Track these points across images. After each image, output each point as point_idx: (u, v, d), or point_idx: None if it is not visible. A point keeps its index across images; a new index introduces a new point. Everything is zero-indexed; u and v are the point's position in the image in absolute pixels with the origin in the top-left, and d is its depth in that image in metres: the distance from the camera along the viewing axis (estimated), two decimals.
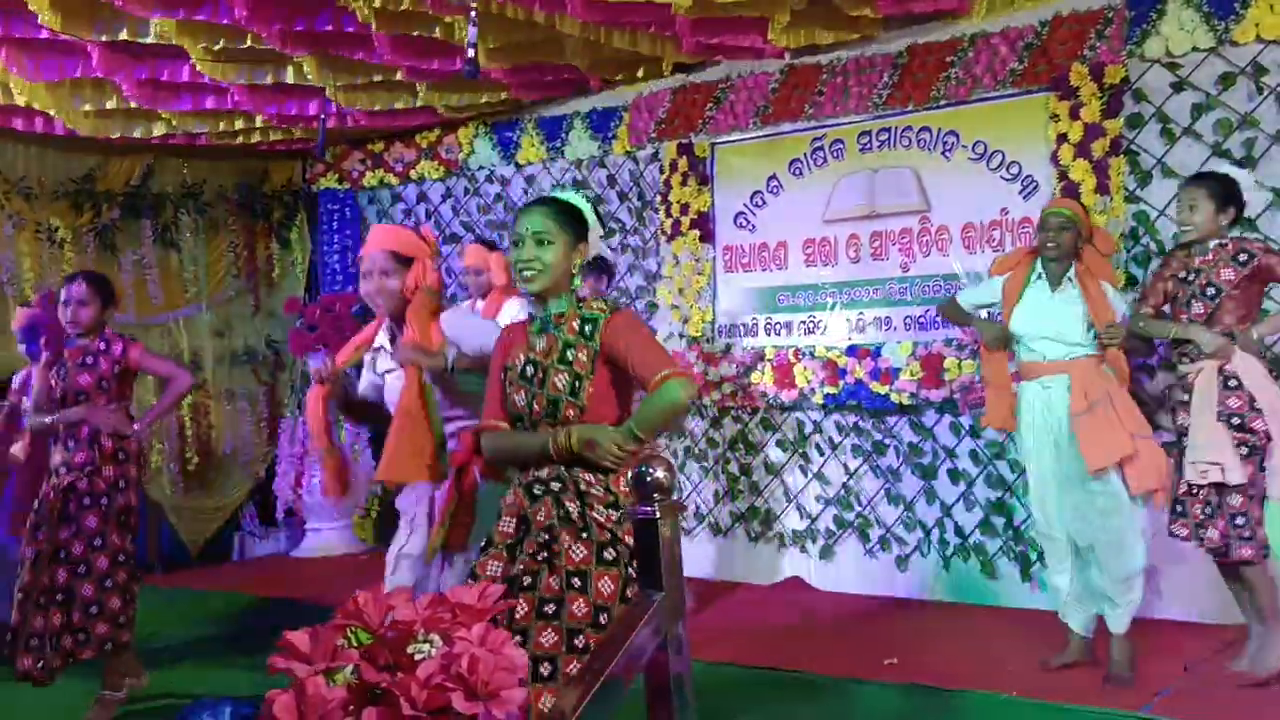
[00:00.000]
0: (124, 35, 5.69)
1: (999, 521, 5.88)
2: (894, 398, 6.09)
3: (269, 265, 8.76)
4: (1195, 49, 5.30)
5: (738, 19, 5.52)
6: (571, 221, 2.97)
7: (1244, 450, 4.21)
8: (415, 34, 5.62)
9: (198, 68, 6.04)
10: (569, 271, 2.95)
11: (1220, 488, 4.25)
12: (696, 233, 6.89)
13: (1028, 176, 5.80)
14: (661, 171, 7.06)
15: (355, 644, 1.63)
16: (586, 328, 2.90)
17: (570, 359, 2.87)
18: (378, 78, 6.59)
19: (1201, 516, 4.29)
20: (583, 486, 2.82)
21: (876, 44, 6.18)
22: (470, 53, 4.39)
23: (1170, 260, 4.57)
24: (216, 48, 5.85)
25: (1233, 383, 4.27)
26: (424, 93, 6.92)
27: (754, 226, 6.78)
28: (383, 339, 3.66)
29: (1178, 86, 5.38)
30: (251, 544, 8.50)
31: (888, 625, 5.59)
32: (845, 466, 6.41)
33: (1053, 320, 4.53)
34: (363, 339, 3.76)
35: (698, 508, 6.93)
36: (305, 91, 6.65)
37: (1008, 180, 5.87)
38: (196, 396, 8.16)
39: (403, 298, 3.53)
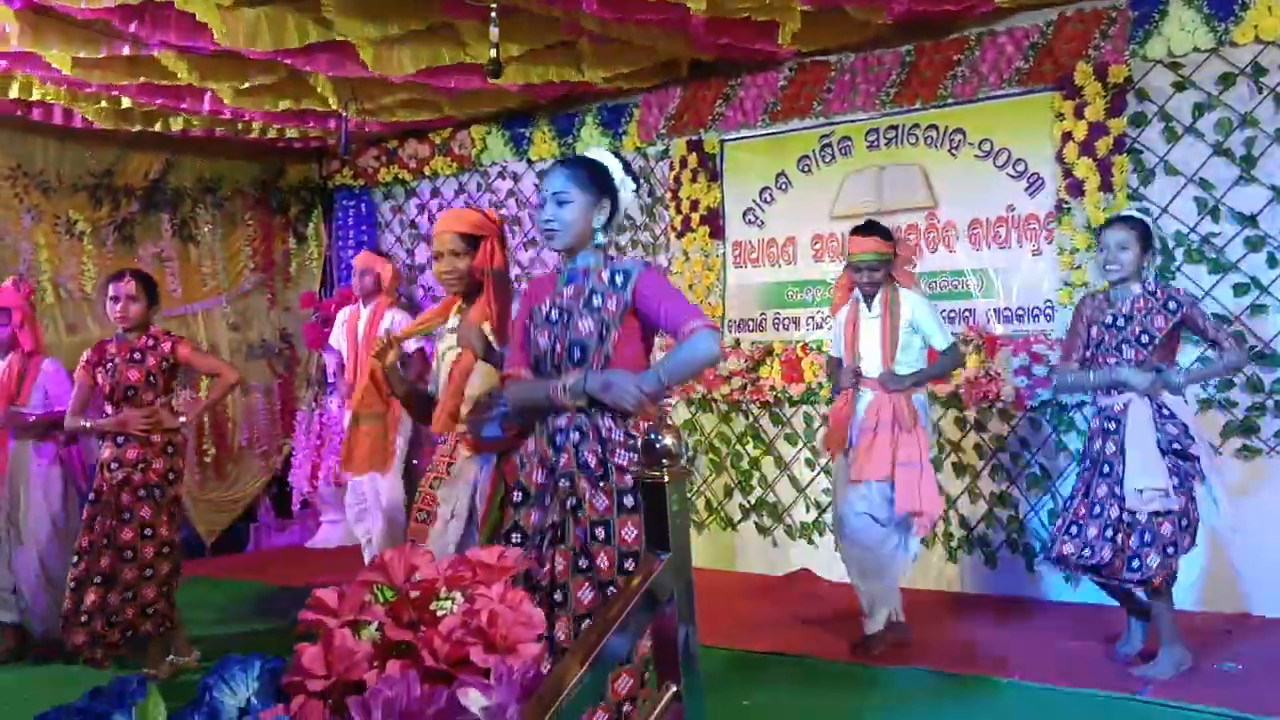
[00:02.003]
0: (148, 80, 5.94)
1: (1003, 514, 5.97)
2: None
3: (285, 260, 8.90)
4: (1196, 49, 5.38)
5: (748, 22, 5.61)
6: (592, 180, 3.04)
7: (1174, 480, 4.35)
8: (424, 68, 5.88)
9: (224, 100, 6.25)
10: (590, 228, 3.04)
11: (1155, 516, 4.34)
12: (706, 229, 6.98)
13: (1033, 174, 5.89)
14: (671, 168, 7.16)
15: (381, 600, 1.74)
16: (617, 279, 2.99)
17: (598, 305, 2.95)
18: (399, 97, 6.79)
19: (1096, 538, 4.40)
20: (603, 433, 2.88)
21: (884, 43, 6.26)
22: (492, 52, 4.48)
23: (1081, 309, 4.71)
24: (243, 87, 6.08)
25: (1166, 411, 4.43)
26: (445, 107, 7.13)
27: (763, 222, 6.87)
28: (454, 320, 3.74)
29: (1179, 86, 5.46)
30: (267, 535, 8.62)
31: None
32: None
33: (867, 337, 4.92)
34: (429, 315, 3.87)
35: (708, 501, 7.03)
36: (325, 109, 6.86)
37: (1014, 178, 5.96)
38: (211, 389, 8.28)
39: (471, 278, 3.63)
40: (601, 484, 2.85)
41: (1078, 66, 5.61)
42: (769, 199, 6.85)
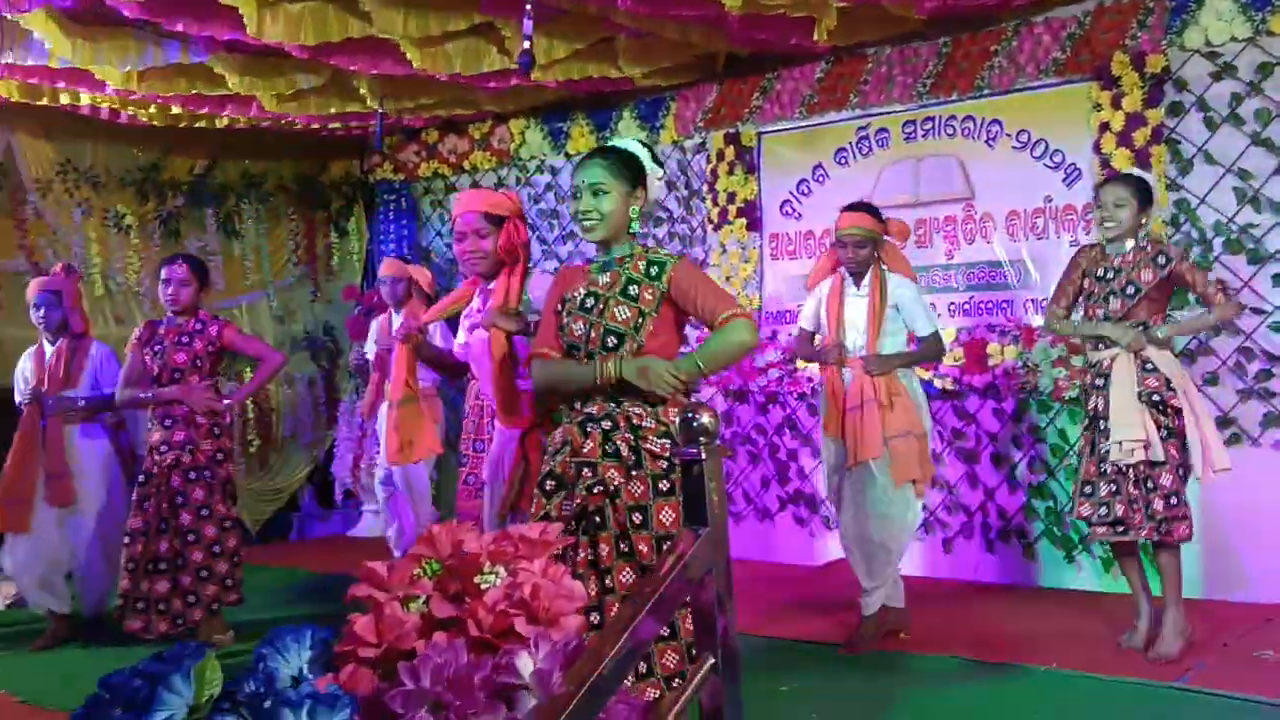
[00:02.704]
0: (199, 89, 6.06)
1: (1041, 505, 5.97)
2: (937, 383, 6.19)
3: (327, 253, 9.03)
4: (1234, 39, 5.36)
5: (784, 17, 5.64)
6: (626, 169, 3.07)
7: (1163, 432, 4.38)
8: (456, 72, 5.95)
9: (265, 108, 6.36)
10: (627, 217, 3.07)
11: (1148, 466, 4.38)
12: (743, 221, 7.02)
13: (1071, 165, 5.88)
14: (708, 161, 7.20)
15: (428, 574, 1.80)
16: (653, 269, 3.01)
17: (634, 294, 2.97)
18: (438, 96, 6.89)
19: (1109, 496, 4.44)
20: (634, 420, 2.91)
21: (920, 35, 6.27)
22: (526, 44, 4.55)
23: (1079, 259, 4.72)
24: (288, 93, 6.20)
25: (1149, 365, 4.45)
26: (483, 103, 7.22)
27: (800, 214, 6.90)
28: (476, 301, 3.77)
29: (1217, 75, 5.44)
30: (310, 524, 8.75)
31: (931, 604, 5.69)
32: None
33: (852, 316, 4.86)
34: (452, 299, 3.90)
35: (745, 492, 7.07)
36: (366, 110, 6.97)
37: (1051, 168, 5.95)
38: None
39: (495, 258, 3.65)
40: (635, 471, 2.87)
41: (1115, 57, 5.60)
42: (806, 191, 6.87)
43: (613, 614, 2.79)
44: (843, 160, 6.72)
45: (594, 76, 6.52)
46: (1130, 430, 4.37)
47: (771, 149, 7.02)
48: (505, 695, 1.61)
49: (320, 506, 8.84)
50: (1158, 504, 4.36)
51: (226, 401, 5.29)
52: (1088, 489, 4.54)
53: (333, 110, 6.81)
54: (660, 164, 3.23)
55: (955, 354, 6.09)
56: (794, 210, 6.92)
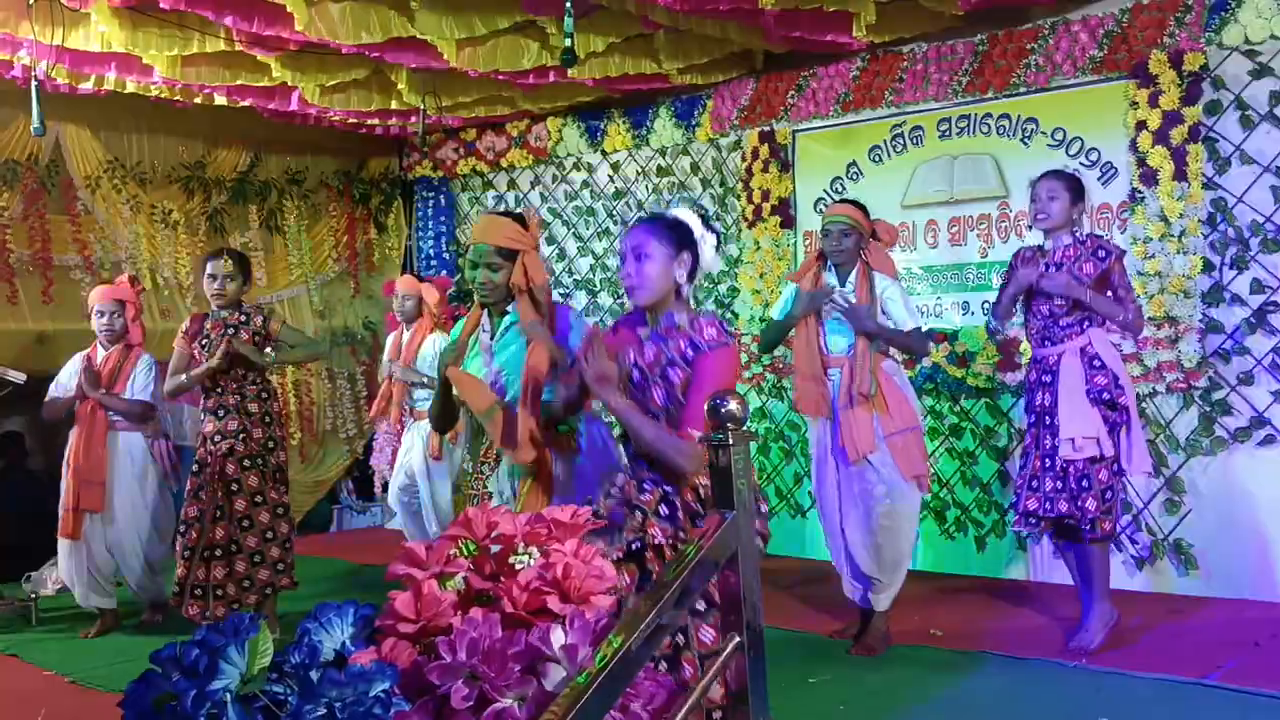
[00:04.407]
0: (241, 80, 6.18)
1: None
2: (970, 381, 6.21)
3: (368, 249, 9.16)
4: (1273, 36, 5.32)
5: (821, 13, 5.68)
6: (671, 235, 3.05)
7: (1107, 427, 4.43)
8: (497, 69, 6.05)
9: (308, 100, 6.48)
10: (671, 282, 3.04)
11: (1088, 463, 4.42)
12: (777, 219, 7.06)
13: (1107, 163, 5.88)
14: (743, 158, 7.25)
15: (464, 554, 1.88)
16: (689, 352, 2.98)
17: (670, 378, 2.97)
18: (476, 94, 6.99)
19: (1053, 491, 4.48)
20: (670, 496, 2.91)
21: (957, 32, 6.28)
22: (568, 42, 4.62)
23: (1015, 260, 4.78)
24: (329, 84, 6.31)
25: (1097, 362, 4.49)
26: (520, 100, 7.31)
27: None
28: (484, 338, 3.73)
29: (1256, 74, 5.41)
30: (349, 516, 8.89)
31: (963, 601, 5.73)
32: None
33: (837, 315, 4.79)
34: (472, 322, 3.80)
35: (778, 488, 7.11)
36: (405, 106, 7.07)
37: (1087, 167, 5.95)
38: (298, 374, 8.58)
39: (504, 291, 3.62)
40: (672, 525, 2.89)
41: (1153, 55, 5.59)
42: (840, 189, 6.91)
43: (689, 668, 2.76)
44: (877, 158, 6.74)
45: (631, 73, 6.59)
46: (1082, 427, 4.42)
47: (806, 147, 7.05)
48: (538, 669, 1.69)
49: (359, 499, 8.97)
50: (1090, 502, 4.41)
51: (269, 352, 5.34)
52: (1034, 484, 4.58)
53: (374, 105, 6.91)
54: (714, 230, 3.19)
55: (988, 352, 6.11)
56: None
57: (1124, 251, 4.68)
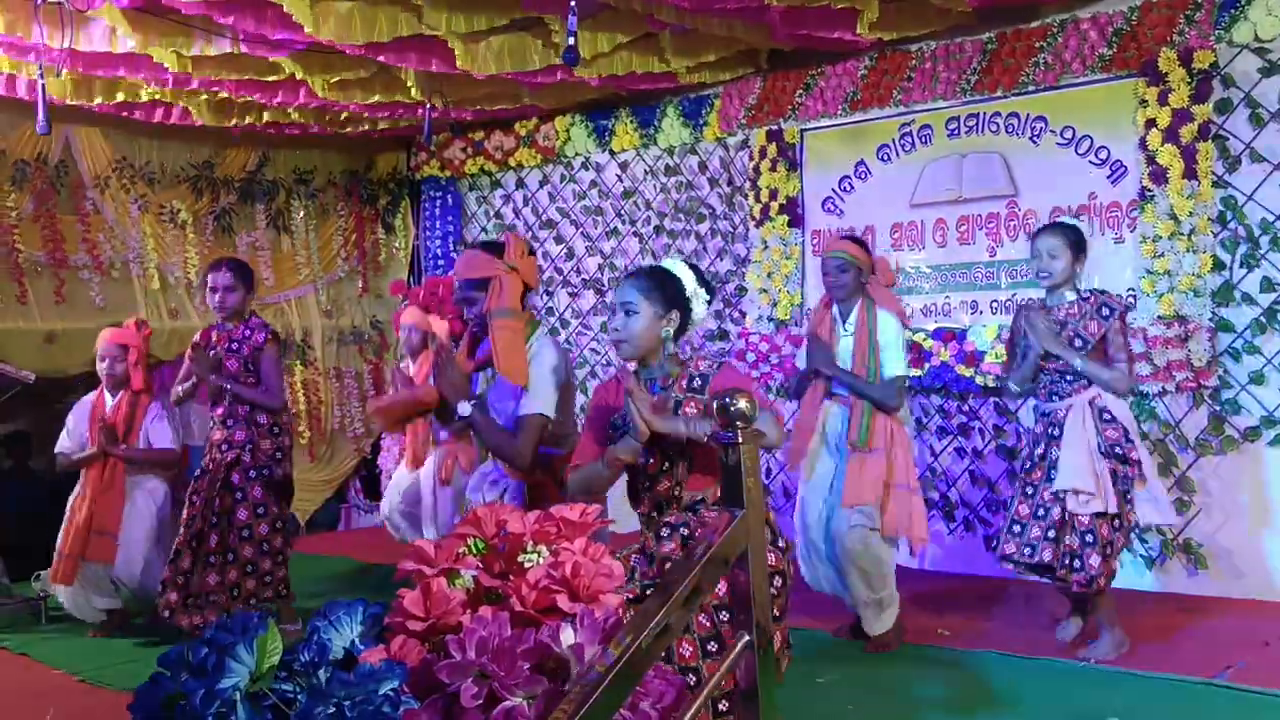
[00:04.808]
0: (250, 76, 6.19)
1: None
2: (979, 380, 6.20)
3: (375, 249, 9.17)
4: None
5: (827, 10, 5.67)
6: (660, 289, 3.06)
7: (1119, 484, 4.38)
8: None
9: (317, 93, 6.49)
10: (658, 338, 3.05)
11: (1093, 518, 4.36)
12: (785, 217, 7.06)
13: (1116, 161, 5.86)
14: (751, 157, 7.24)
15: (474, 552, 1.88)
16: (696, 381, 3.01)
17: (684, 412, 2.96)
18: (483, 90, 6.99)
19: (1038, 538, 4.42)
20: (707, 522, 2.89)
21: (966, 30, 6.27)
22: (570, 40, 4.62)
23: (1017, 319, 4.77)
24: (335, 80, 6.32)
25: (1107, 415, 4.45)
26: (525, 98, 7.30)
27: (842, 211, 6.93)
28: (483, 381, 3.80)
29: (1266, 71, 5.40)
30: (357, 515, 8.90)
31: (971, 600, 5.72)
32: (930, 448, 6.53)
33: (841, 356, 4.82)
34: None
35: (785, 487, 7.11)
36: (412, 102, 7.07)
37: (1096, 165, 5.94)
38: (306, 374, 8.59)
39: (483, 320, 3.63)
40: None
41: (1162, 52, 5.57)
42: (848, 188, 6.90)
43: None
44: (885, 157, 6.73)
45: (638, 71, 6.59)
46: (1078, 481, 4.37)
47: (814, 145, 7.04)
48: (547, 668, 1.69)
49: (367, 498, 8.98)
50: (1094, 559, 4.32)
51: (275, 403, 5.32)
52: (1015, 528, 4.53)
53: (378, 99, 6.88)
54: (708, 286, 3.19)
55: (997, 351, 6.09)
56: (836, 207, 6.95)
57: (1127, 308, 4.62)
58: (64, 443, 5.71)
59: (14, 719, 4.49)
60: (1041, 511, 4.48)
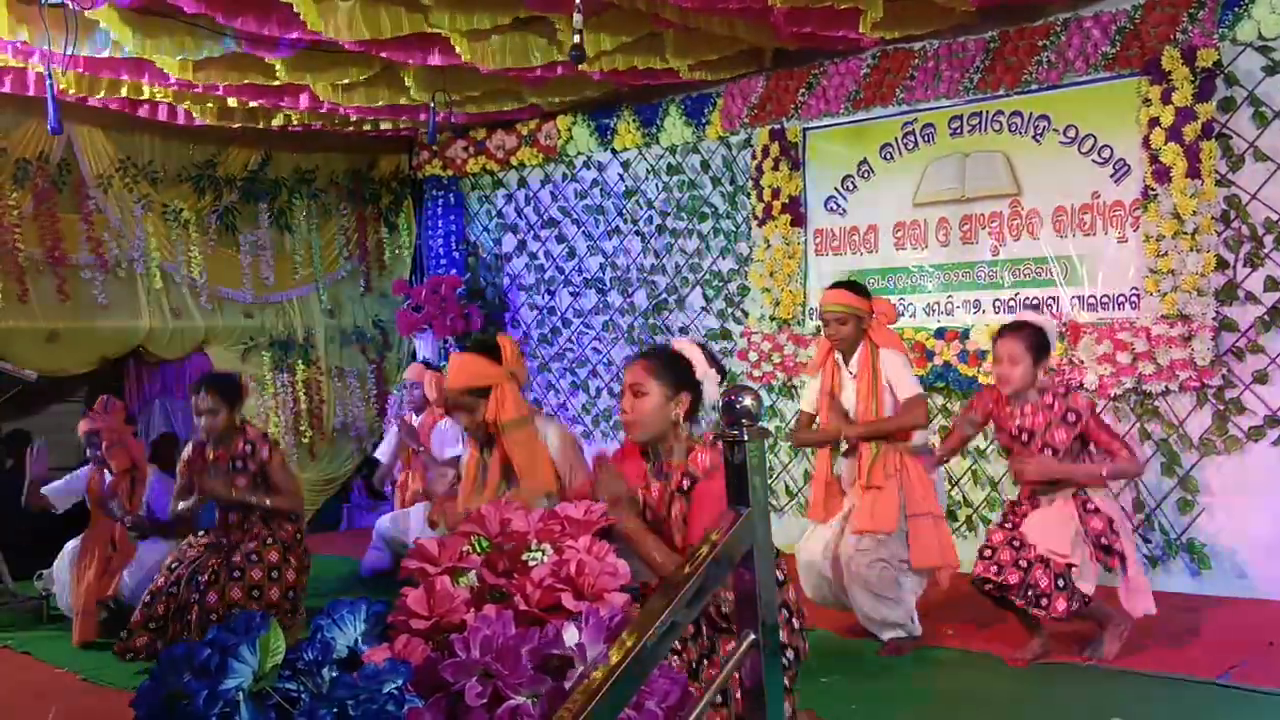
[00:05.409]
0: (250, 80, 6.19)
1: None
2: (981, 380, 6.18)
3: (378, 248, 9.18)
4: None
5: (830, 10, 5.66)
6: (670, 370, 3.05)
7: (1098, 566, 4.35)
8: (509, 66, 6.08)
9: (317, 95, 6.49)
10: (668, 419, 3.02)
11: (1066, 565, 4.30)
12: (788, 217, 7.05)
13: (1119, 160, 5.85)
14: (754, 156, 7.23)
15: (478, 551, 1.88)
16: (685, 482, 2.99)
17: (674, 514, 2.98)
18: (484, 88, 6.99)
19: (1008, 563, 4.34)
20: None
21: (968, 29, 6.26)
22: (576, 39, 4.61)
23: (976, 401, 4.70)
24: (340, 83, 6.32)
25: (1090, 506, 4.39)
26: (527, 95, 7.29)
27: (844, 210, 6.92)
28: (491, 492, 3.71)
29: (1270, 70, 5.38)
30: (359, 515, 8.89)
31: (979, 603, 5.69)
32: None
33: (847, 400, 4.81)
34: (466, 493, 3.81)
35: (787, 486, 7.10)
36: (415, 103, 7.07)
37: (1099, 164, 5.92)
38: (308, 373, 8.59)
39: (484, 427, 3.62)
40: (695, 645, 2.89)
41: (1165, 51, 5.56)
42: (851, 187, 6.89)
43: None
44: (888, 156, 6.72)
45: (639, 69, 6.58)
46: (1055, 544, 4.30)
47: (816, 145, 7.03)
48: (551, 667, 1.68)
49: (369, 497, 8.97)
50: (1060, 603, 4.25)
51: (268, 502, 5.19)
52: (987, 553, 4.44)
53: (381, 101, 6.90)
54: (718, 365, 3.17)
55: None
56: (839, 206, 6.94)
57: (1093, 406, 4.49)
58: (59, 492, 5.76)
59: (15, 718, 4.49)
60: (1019, 544, 4.37)
